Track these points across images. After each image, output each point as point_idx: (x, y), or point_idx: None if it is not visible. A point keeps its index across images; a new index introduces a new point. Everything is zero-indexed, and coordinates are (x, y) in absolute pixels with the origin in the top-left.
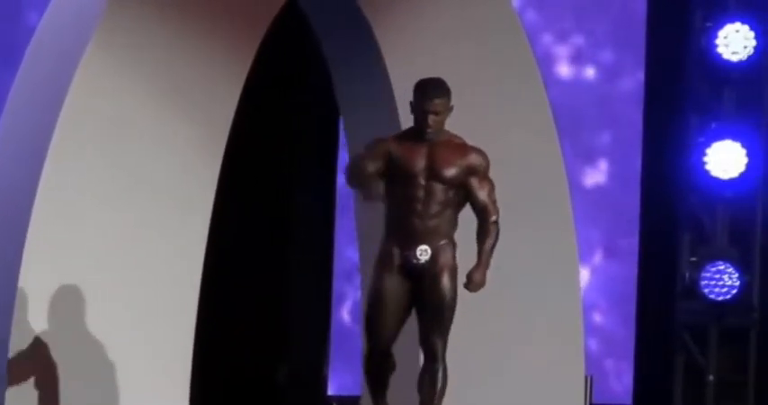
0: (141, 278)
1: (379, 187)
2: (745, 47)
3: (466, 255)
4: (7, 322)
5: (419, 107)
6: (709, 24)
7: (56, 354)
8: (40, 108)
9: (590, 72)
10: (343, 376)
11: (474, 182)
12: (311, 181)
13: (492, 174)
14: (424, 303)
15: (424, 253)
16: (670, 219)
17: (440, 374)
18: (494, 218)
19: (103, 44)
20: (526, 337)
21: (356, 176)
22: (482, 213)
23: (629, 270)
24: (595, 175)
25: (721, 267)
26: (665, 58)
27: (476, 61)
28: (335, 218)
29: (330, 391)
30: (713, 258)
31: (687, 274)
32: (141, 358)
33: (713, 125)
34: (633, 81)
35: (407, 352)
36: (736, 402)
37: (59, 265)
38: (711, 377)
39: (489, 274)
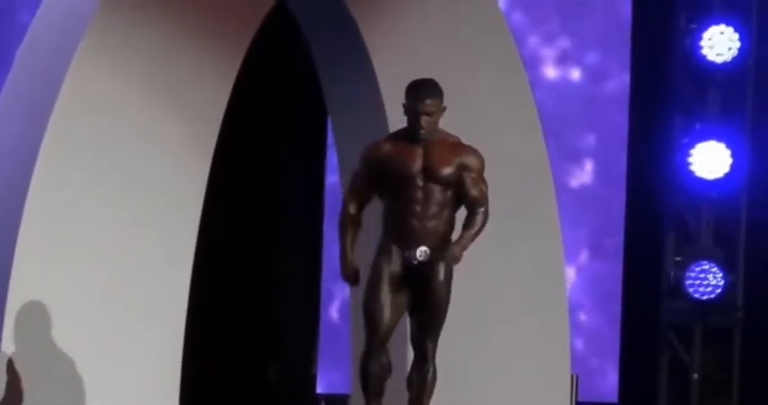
0: (131, 276)
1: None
2: (730, 48)
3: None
4: None
5: (412, 108)
6: (693, 26)
7: (47, 352)
8: (32, 108)
9: (576, 73)
10: (333, 375)
11: (468, 178)
12: (300, 181)
13: None
14: (420, 304)
15: (423, 254)
16: (655, 219)
17: (429, 373)
18: (482, 208)
19: (95, 45)
20: (513, 336)
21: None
22: (472, 204)
23: (614, 270)
24: (581, 176)
25: (706, 267)
26: (650, 59)
27: (462, 62)
28: (324, 217)
29: (319, 390)
30: (698, 258)
31: (672, 274)
32: (131, 357)
33: (698, 126)
34: (619, 82)
35: (395, 354)
36: (720, 400)
37: (51, 263)
38: (696, 375)
39: (479, 274)
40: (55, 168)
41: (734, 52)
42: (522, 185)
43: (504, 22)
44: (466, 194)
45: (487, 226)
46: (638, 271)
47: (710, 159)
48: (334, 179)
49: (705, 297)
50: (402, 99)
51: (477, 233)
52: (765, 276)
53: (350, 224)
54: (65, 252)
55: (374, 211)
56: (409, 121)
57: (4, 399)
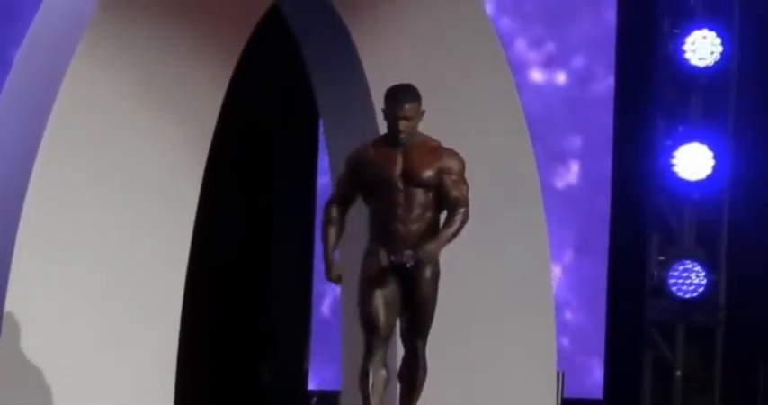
0: (126, 276)
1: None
2: (712, 53)
3: (450, 254)
4: None
5: (390, 113)
6: (676, 31)
7: (45, 351)
8: (31, 108)
9: (562, 77)
10: (324, 372)
11: (448, 180)
12: (292, 182)
13: (466, 175)
14: (408, 303)
15: (409, 258)
16: (639, 219)
17: (420, 368)
18: (462, 209)
19: (93, 47)
20: (501, 333)
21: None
22: (453, 206)
23: (599, 269)
24: (567, 177)
25: (689, 266)
26: (634, 63)
27: (451, 66)
28: (315, 218)
29: (311, 387)
30: (681, 258)
31: (656, 273)
32: (126, 355)
33: (681, 128)
34: (604, 86)
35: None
36: (702, 397)
37: (49, 263)
38: (679, 373)
39: (467, 273)
40: (53, 169)
41: (716, 57)
42: (509, 186)
43: (491, 25)
44: (446, 196)
45: (475, 226)
46: (622, 270)
47: (693, 161)
48: (325, 180)
49: (688, 296)
50: None
51: (456, 233)
52: (747, 276)
53: (332, 226)
54: (62, 252)
55: (354, 213)
56: (389, 126)
57: None
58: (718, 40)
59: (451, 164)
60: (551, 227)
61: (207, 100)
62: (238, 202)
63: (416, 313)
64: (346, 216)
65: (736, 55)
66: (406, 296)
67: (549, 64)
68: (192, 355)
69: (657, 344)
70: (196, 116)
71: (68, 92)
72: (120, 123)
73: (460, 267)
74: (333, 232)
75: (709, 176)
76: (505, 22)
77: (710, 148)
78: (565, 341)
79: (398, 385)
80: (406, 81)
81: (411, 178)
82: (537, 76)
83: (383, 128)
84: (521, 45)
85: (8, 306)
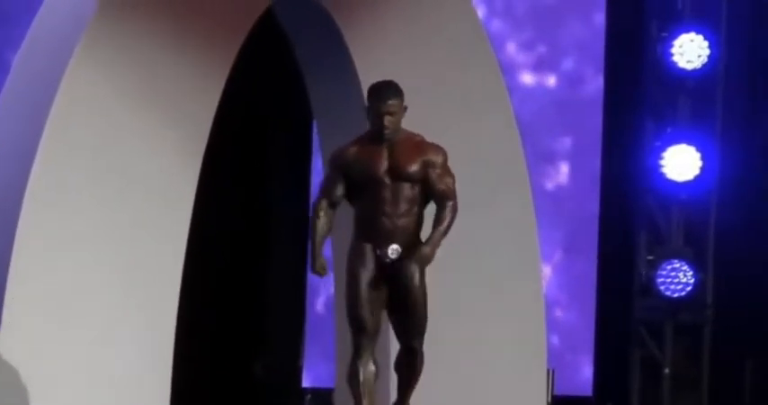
0: (124, 274)
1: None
2: (699, 56)
3: (442, 253)
4: None
5: (374, 110)
6: (664, 34)
7: (43, 349)
8: (30, 109)
9: (552, 79)
10: (318, 369)
11: (433, 173)
12: (287, 182)
13: (457, 175)
14: (400, 302)
15: (395, 252)
16: (628, 219)
17: (417, 358)
18: (450, 202)
19: (91, 50)
20: (492, 332)
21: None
22: (440, 199)
23: (588, 268)
24: (557, 178)
25: (676, 266)
26: (623, 66)
27: (442, 67)
28: (309, 217)
29: (305, 384)
30: (669, 257)
31: (644, 272)
32: (123, 353)
33: (669, 130)
34: (593, 88)
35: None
36: (690, 394)
37: (48, 261)
38: (667, 370)
39: (458, 272)
40: (52, 169)
41: (703, 59)
42: (499, 187)
43: (482, 28)
44: (433, 189)
45: (467, 226)
46: (611, 269)
47: (681, 162)
48: (319, 180)
49: (676, 295)
50: None
51: (447, 229)
52: (734, 275)
53: (319, 220)
54: (60, 251)
55: (347, 212)
56: (373, 123)
57: None
58: (706, 44)
59: (435, 157)
60: (541, 227)
61: (203, 101)
62: (234, 202)
63: (411, 315)
64: (335, 214)
65: (723, 58)
66: (396, 298)
67: (540, 66)
68: (188, 351)
69: (646, 342)
70: (193, 117)
71: (67, 93)
72: (118, 124)
73: (452, 266)
74: (321, 225)
75: (696, 177)
76: (497, 25)
77: (698, 149)
78: (555, 339)
79: (392, 377)
80: (398, 82)
81: (397, 173)
82: (527, 78)
83: None
84: (511, 48)
85: (7, 305)
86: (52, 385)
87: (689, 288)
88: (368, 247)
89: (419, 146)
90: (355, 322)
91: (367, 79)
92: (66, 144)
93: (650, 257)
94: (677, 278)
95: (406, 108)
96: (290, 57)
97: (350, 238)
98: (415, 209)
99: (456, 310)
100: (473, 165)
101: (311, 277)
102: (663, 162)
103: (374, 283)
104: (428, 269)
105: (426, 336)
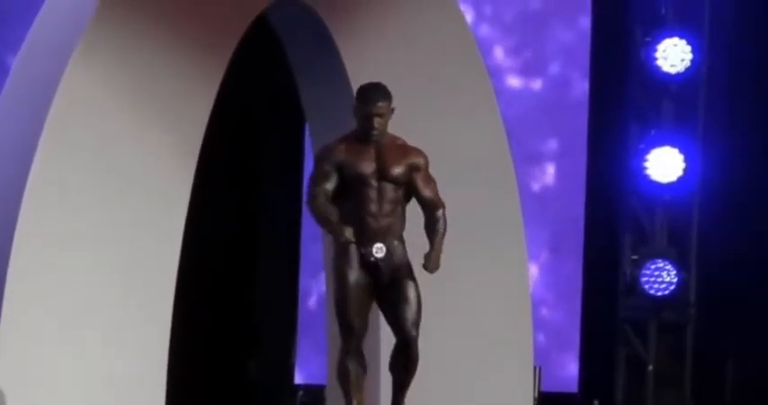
0: (120, 274)
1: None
2: (682, 60)
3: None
4: None
5: (363, 111)
6: (648, 39)
7: (41, 348)
8: (29, 111)
9: (538, 83)
10: (310, 366)
11: (418, 178)
12: (279, 184)
13: (446, 178)
14: (392, 302)
15: (379, 251)
16: (613, 220)
17: (412, 354)
18: (440, 210)
19: (89, 53)
20: (480, 330)
21: (324, 222)
22: (430, 206)
23: (574, 268)
24: (543, 179)
25: (660, 265)
26: (608, 70)
27: (431, 70)
28: (301, 217)
29: (297, 380)
30: (653, 257)
31: (629, 272)
32: (119, 351)
33: (653, 132)
34: (579, 91)
35: (367, 351)
36: (673, 390)
37: (45, 261)
38: (651, 367)
39: (446, 272)
40: (51, 169)
41: (686, 63)
42: (487, 188)
43: (469, 32)
44: (420, 195)
45: (455, 226)
46: (596, 269)
47: (665, 164)
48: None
49: (660, 294)
50: None
51: (444, 235)
52: (716, 274)
53: (323, 202)
54: (58, 251)
55: None
56: (361, 124)
57: None
58: (689, 48)
59: (419, 161)
60: (528, 227)
61: (198, 103)
62: (227, 203)
63: (405, 306)
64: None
65: (705, 62)
66: (386, 295)
67: (527, 70)
68: (182, 349)
69: (630, 340)
70: (188, 119)
71: (65, 95)
72: (115, 126)
73: (442, 265)
74: (326, 204)
75: (679, 179)
76: (485, 30)
77: (681, 151)
78: (541, 337)
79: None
80: (388, 85)
81: (385, 175)
82: (514, 81)
83: None
84: (499, 52)
85: (6, 304)
86: (48, 383)
87: (672, 287)
88: (353, 249)
89: (403, 149)
90: (343, 321)
91: (358, 82)
92: (64, 145)
93: (635, 257)
94: (661, 277)
95: (393, 110)
96: (282, 60)
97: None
98: (399, 209)
99: (445, 308)
100: (461, 166)
101: (303, 276)
102: (647, 164)
103: (361, 283)
104: (417, 268)
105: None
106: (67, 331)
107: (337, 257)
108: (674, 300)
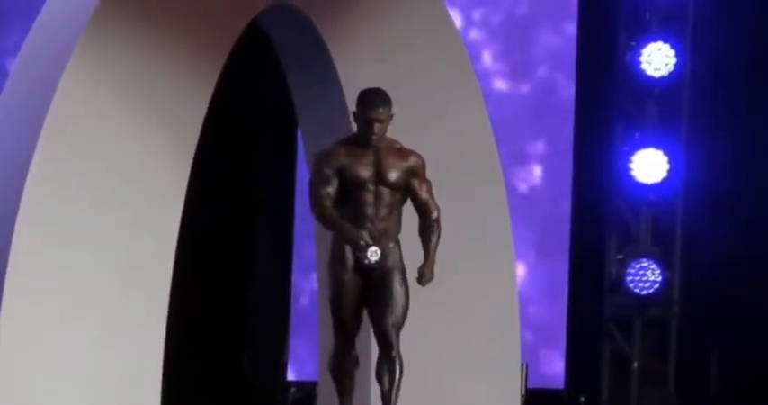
0: (117, 274)
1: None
2: (667, 64)
3: (420, 253)
4: None
5: (364, 116)
6: (633, 43)
7: (39, 347)
8: (27, 111)
9: (526, 86)
10: (303, 363)
11: (415, 183)
12: (273, 186)
13: (435, 179)
14: (378, 301)
15: (374, 254)
16: (598, 220)
17: (397, 363)
18: (435, 215)
19: (87, 55)
20: (467, 328)
21: (335, 227)
22: (424, 211)
23: (561, 267)
24: (530, 180)
25: (645, 264)
26: (593, 74)
27: (421, 73)
28: (294, 218)
29: (289, 377)
30: (637, 256)
31: (614, 271)
32: (115, 350)
33: (637, 135)
34: (565, 95)
35: (359, 348)
36: (657, 387)
37: (44, 261)
38: (635, 364)
39: (436, 270)
40: (50, 170)
41: (670, 67)
42: (475, 189)
43: (458, 37)
44: (417, 199)
45: (444, 227)
46: (582, 268)
47: (649, 165)
48: (303, 183)
49: (644, 292)
50: None
51: (437, 242)
52: (699, 272)
53: (330, 206)
54: (56, 251)
55: None
56: (361, 129)
57: None
58: (672, 52)
59: (417, 165)
60: (515, 227)
61: (193, 105)
62: (221, 203)
63: (389, 310)
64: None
65: (688, 66)
66: (374, 296)
67: (514, 74)
68: (176, 347)
69: (615, 337)
70: (183, 121)
71: (63, 96)
72: (112, 127)
73: None
74: (333, 210)
75: (664, 180)
76: (474, 35)
77: (665, 153)
78: (528, 335)
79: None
80: (371, 88)
81: (383, 179)
82: (502, 85)
83: None
84: (487, 56)
85: (6, 304)
86: (44, 381)
87: (657, 285)
88: (348, 252)
89: (401, 153)
90: (337, 322)
91: (349, 86)
92: (61, 146)
93: (620, 256)
94: (646, 276)
95: (392, 116)
96: (275, 64)
97: (331, 238)
98: (395, 213)
99: (433, 306)
100: (450, 167)
101: (295, 275)
102: (632, 165)
103: (354, 282)
104: (411, 268)
105: (403, 332)
106: (63, 329)
107: (333, 259)
108: (659, 298)
